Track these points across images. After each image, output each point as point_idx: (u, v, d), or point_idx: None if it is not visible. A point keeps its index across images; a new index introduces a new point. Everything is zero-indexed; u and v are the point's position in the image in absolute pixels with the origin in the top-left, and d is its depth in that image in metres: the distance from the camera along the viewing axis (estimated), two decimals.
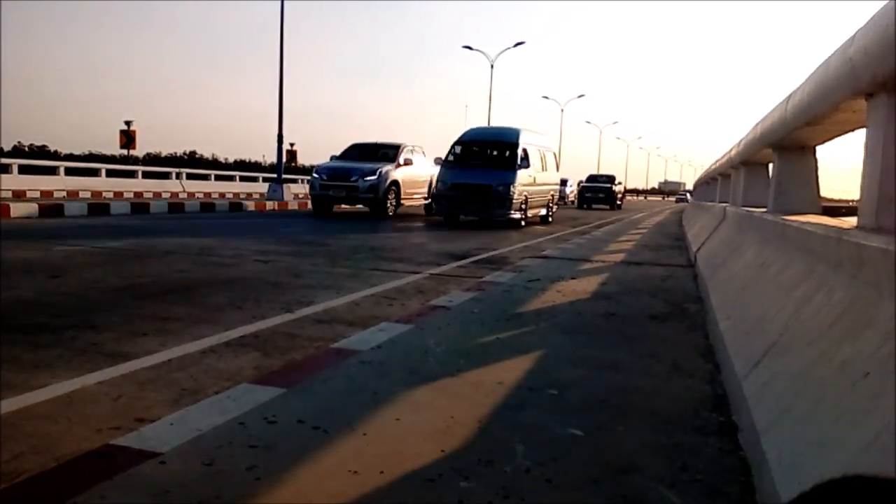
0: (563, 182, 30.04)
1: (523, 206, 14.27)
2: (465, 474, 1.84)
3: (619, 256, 8.29)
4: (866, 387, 1.43)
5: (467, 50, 42.47)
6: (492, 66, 41.62)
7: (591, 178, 35.97)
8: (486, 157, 15.49)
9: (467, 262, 7.31)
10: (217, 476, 1.78)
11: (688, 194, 76.37)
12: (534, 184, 15.08)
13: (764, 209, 4.76)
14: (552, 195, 16.96)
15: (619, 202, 34.62)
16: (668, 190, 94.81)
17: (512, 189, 13.67)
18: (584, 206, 32.47)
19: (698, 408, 2.51)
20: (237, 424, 2.15)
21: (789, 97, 3.73)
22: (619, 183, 36.15)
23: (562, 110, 59.64)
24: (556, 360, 3.11)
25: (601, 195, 32.82)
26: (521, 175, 14.11)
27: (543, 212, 16.35)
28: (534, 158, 15.20)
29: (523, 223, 14.28)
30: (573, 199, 35.90)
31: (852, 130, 3.44)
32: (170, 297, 4.45)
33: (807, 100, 3.23)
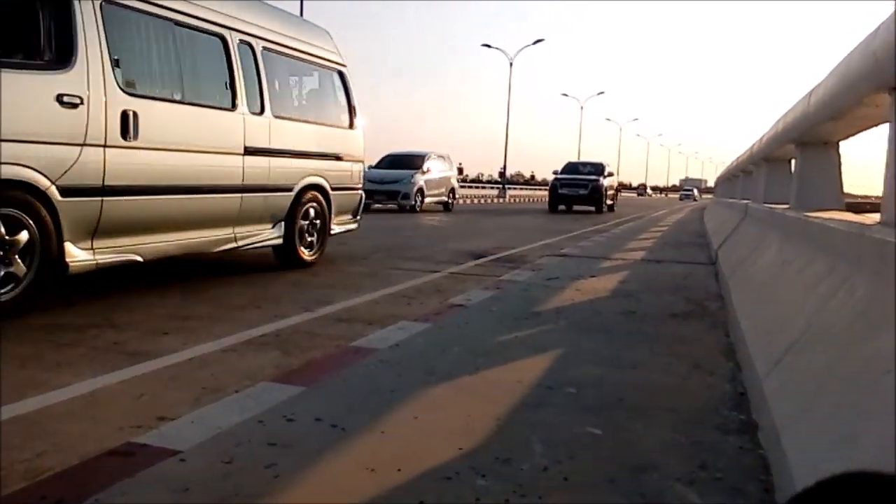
0: (416, 161, 18.35)
1: None
2: (483, 472, 1.84)
3: (640, 254, 8.24)
4: (889, 384, 1.40)
5: (486, 48, 42.46)
6: (511, 64, 41.56)
7: (570, 168, 24.08)
8: None
9: (485, 260, 7.30)
10: (236, 473, 1.80)
11: (694, 190, 74.39)
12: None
13: (786, 206, 4.71)
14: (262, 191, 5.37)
15: (609, 202, 23.49)
16: (687, 187, 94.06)
17: None
18: (561, 207, 22.40)
19: (718, 406, 2.48)
20: (257, 423, 2.17)
21: (812, 92, 3.69)
22: (610, 174, 24.22)
23: (581, 108, 59.43)
24: (574, 359, 3.10)
25: (582, 192, 21.89)
26: None
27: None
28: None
29: None
30: (449, 200, 20.06)
31: (876, 125, 3.39)
32: (190, 296, 4.49)
33: (830, 94, 3.19)
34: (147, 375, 2.74)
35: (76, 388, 2.54)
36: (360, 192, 7.01)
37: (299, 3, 21.67)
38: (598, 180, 21.94)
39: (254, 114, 5.21)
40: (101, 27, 3.86)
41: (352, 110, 6.73)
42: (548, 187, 25.46)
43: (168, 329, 3.53)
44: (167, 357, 3.00)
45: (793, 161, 5.10)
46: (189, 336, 3.40)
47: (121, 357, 2.98)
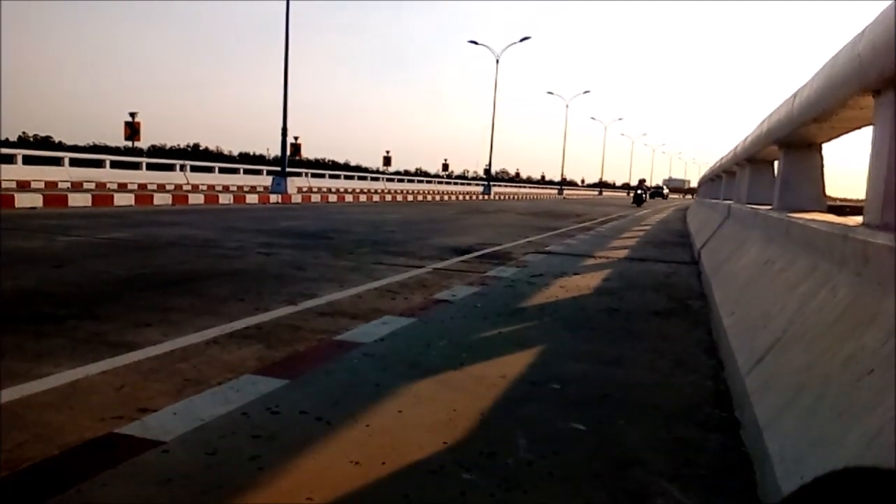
0: None
1: None
2: (468, 466, 1.85)
3: (623, 253, 8.28)
4: (870, 383, 1.42)
5: (473, 45, 42.47)
6: (497, 62, 41.59)
7: None
8: None
9: (470, 256, 7.30)
10: (220, 465, 1.79)
11: (641, 191, 68.71)
12: None
13: (769, 207, 4.75)
14: None
15: None
16: (672, 187, 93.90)
17: None
18: None
19: (701, 403, 2.50)
20: (240, 415, 2.16)
21: (796, 93, 3.72)
22: None
23: (567, 106, 59.57)
24: (558, 355, 3.11)
25: None
26: None
27: None
28: None
29: None
30: None
31: (859, 128, 3.42)
32: (173, 289, 4.45)
33: (814, 96, 3.22)
34: (128, 367, 2.71)
35: (57, 378, 2.51)
36: None
37: (285, 1, 21.41)
38: None
39: None
40: None
41: None
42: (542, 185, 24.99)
43: (150, 321, 3.50)
44: (149, 349, 2.97)
45: (776, 163, 5.14)
46: (171, 328, 3.37)
47: (102, 348, 2.95)
